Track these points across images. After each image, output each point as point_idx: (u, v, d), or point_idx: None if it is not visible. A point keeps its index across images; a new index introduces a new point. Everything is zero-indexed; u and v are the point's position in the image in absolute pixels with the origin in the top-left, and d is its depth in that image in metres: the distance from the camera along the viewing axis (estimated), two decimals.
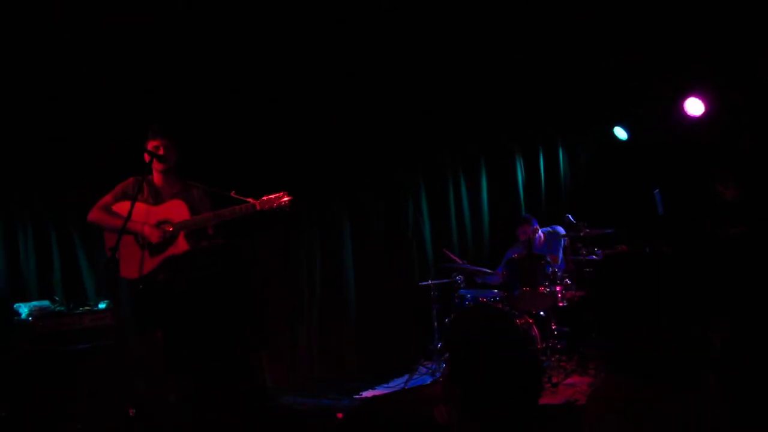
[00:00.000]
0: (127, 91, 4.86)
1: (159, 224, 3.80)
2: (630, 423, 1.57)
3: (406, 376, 5.50)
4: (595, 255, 5.32)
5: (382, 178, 6.48)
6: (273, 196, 3.78)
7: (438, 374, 5.30)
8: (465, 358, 1.77)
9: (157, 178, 3.97)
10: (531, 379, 1.81)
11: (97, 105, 4.83)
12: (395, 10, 4.97)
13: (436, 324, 5.56)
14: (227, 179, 3.97)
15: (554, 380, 4.86)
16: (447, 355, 4.90)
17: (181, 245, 3.79)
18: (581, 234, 5.32)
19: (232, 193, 3.84)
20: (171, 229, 3.79)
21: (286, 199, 3.77)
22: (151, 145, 3.88)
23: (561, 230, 5.82)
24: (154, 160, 3.84)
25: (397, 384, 5.50)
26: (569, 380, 4.96)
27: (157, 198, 3.91)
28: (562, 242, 5.85)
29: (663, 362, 1.65)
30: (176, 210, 3.84)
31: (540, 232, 5.76)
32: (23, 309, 4.19)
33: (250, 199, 3.79)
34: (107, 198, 3.92)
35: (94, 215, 3.90)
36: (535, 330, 5.01)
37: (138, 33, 4.61)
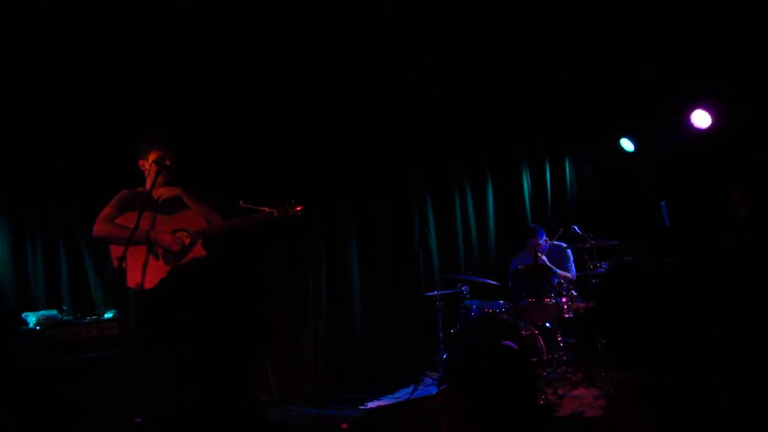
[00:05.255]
0: (131, 98, 4.88)
1: (174, 233, 3.80)
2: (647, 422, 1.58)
3: (412, 387, 5.49)
4: (601, 267, 5.30)
5: (388, 187, 6.49)
6: (287, 205, 3.86)
7: (444, 385, 5.28)
8: (465, 368, 1.79)
9: (158, 187, 3.86)
10: (527, 383, 1.82)
11: (103, 113, 4.86)
12: (403, 21, 5.00)
13: (441, 335, 5.55)
14: (234, 190, 3.97)
15: (560, 392, 4.85)
16: (446, 366, 4.88)
17: (200, 253, 3.78)
18: (587, 245, 5.30)
19: (241, 203, 3.85)
20: (188, 237, 3.80)
21: (298, 208, 3.85)
22: (155, 155, 3.85)
23: (563, 244, 5.79)
24: (163, 170, 3.84)
25: (402, 395, 5.49)
26: (575, 392, 4.94)
27: (164, 208, 3.89)
28: (570, 254, 5.85)
29: (676, 358, 1.67)
30: (192, 219, 3.82)
31: (549, 243, 5.74)
32: (31, 318, 4.21)
33: (265, 208, 3.82)
34: (109, 210, 3.79)
35: (100, 229, 3.75)
36: (541, 341, 5.00)
37: (141, 40, 4.64)
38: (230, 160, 5.35)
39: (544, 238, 5.69)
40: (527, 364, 4.29)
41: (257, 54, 5.13)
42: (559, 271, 5.44)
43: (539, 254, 5.46)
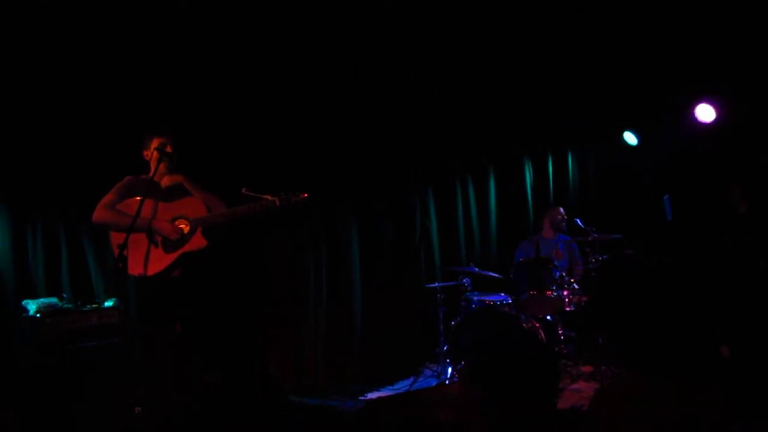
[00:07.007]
0: (132, 89, 4.86)
1: (173, 220, 3.79)
2: (638, 418, 1.57)
3: (412, 379, 5.49)
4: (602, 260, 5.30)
5: (389, 187, 6.44)
6: (290, 194, 3.86)
7: (443, 377, 5.28)
8: (484, 359, 1.78)
9: (160, 175, 3.89)
10: (549, 381, 1.81)
11: (103, 113, 4.83)
12: (403, 21, 4.97)
13: (442, 327, 5.54)
14: (234, 190, 3.94)
15: (560, 385, 4.84)
16: (460, 358, 4.85)
17: (199, 241, 3.77)
18: (589, 239, 5.30)
19: (244, 190, 3.83)
20: (188, 225, 3.78)
21: (303, 196, 3.84)
22: (158, 142, 3.87)
23: (568, 237, 5.83)
24: (164, 157, 3.83)
25: (402, 386, 5.49)
26: (575, 385, 4.93)
27: (165, 195, 3.89)
28: (576, 247, 5.87)
29: (674, 356, 1.66)
30: (192, 206, 3.81)
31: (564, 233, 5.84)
32: (31, 306, 4.20)
33: (267, 196, 3.81)
34: (110, 196, 3.79)
35: (100, 215, 3.74)
36: (542, 334, 5.00)
37: (142, 40, 4.63)
38: (230, 161, 5.30)
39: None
40: (552, 360, 4.26)
41: (257, 54, 5.11)
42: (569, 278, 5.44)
43: (558, 227, 5.65)
